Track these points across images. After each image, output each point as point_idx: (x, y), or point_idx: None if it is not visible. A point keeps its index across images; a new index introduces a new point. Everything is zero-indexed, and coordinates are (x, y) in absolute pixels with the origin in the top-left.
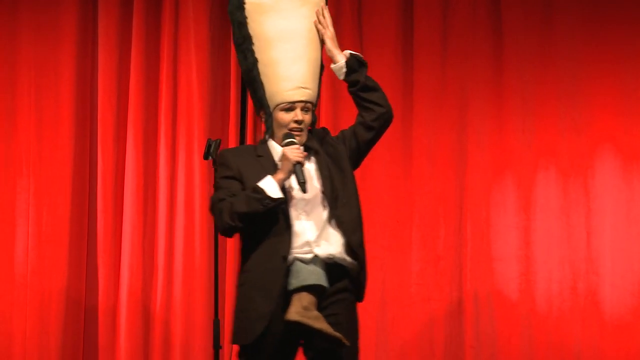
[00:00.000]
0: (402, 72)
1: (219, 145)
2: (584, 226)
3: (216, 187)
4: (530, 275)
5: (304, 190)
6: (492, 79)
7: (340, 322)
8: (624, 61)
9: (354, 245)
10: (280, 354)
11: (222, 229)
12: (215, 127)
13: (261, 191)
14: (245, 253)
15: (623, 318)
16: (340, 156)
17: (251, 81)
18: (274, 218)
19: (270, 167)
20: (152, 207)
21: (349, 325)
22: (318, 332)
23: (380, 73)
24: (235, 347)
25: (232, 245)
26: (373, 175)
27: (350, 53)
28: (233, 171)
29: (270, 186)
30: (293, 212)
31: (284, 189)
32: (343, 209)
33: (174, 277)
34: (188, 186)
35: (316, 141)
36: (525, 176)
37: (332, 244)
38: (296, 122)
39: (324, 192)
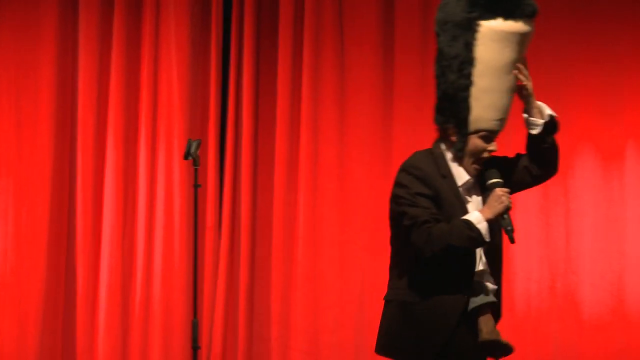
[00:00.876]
0: (382, 71)
1: (199, 146)
2: (563, 226)
3: (411, 202)
4: (509, 274)
5: (511, 239)
6: None
7: None
8: (605, 61)
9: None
10: None
11: (428, 253)
12: (195, 127)
13: (477, 231)
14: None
15: (602, 318)
16: None
17: (457, 100)
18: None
19: (454, 194)
20: (131, 207)
21: None
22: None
23: (361, 72)
24: (214, 348)
25: (210, 246)
26: (353, 175)
27: (551, 115)
28: (431, 190)
29: (484, 227)
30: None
31: None
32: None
33: (153, 277)
34: (168, 186)
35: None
36: None
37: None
38: (490, 151)
39: None
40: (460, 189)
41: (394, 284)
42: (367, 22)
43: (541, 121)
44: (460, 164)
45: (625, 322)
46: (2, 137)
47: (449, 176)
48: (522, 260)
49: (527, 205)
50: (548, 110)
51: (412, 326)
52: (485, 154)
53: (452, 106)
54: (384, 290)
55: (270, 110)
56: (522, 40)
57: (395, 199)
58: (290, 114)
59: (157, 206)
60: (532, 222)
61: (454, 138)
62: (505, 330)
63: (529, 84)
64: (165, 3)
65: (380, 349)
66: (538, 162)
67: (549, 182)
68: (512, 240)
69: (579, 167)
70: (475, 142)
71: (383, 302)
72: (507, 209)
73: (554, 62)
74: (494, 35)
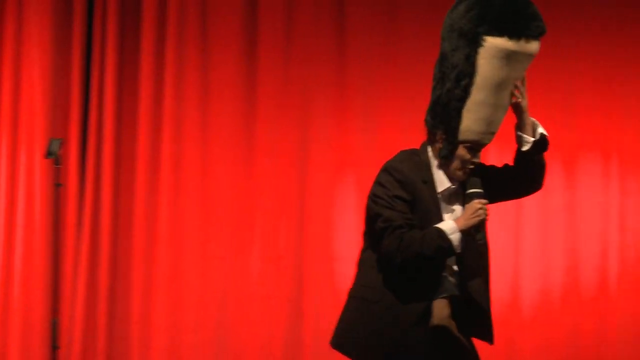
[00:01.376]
0: (246, 71)
1: (60, 145)
2: None
3: (388, 204)
4: None
5: (480, 248)
6: (335, 79)
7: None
8: None
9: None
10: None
11: (399, 260)
12: (57, 126)
13: (448, 241)
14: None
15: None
16: None
17: (449, 108)
18: None
19: (432, 201)
20: None
21: None
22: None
23: (224, 72)
24: (74, 348)
25: (71, 245)
26: (215, 174)
27: (542, 134)
28: (409, 195)
29: (456, 238)
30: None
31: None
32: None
33: (13, 276)
34: (29, 185)
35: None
36: (367, 175)
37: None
38: (473, 164)
39: None
40: (440, 196)
41: (359, 280)
42: (230, 23)
43: (532, 139)
44: (444, 170)
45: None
46: None
47: (429, 182)
48: None
49: None
50: (540, 129)
51: (370, 324)
52: (470, 165)
53: (443, 113)
54: (246, 288)
55: (133, 109)
56: (525, 59)
57: (373, 198)
58: (153, 113)
59: (17, 205)
60: None
61: (440, 144)
62: None
63: (524, 101)
64: (27, 2)
65: (335, 343)
66: (523, 177)
67: None
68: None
69: None
70: (461, 152)
71: (245, 301)
72: (482, 222)
73: (416, 63)
74: (497, 53)
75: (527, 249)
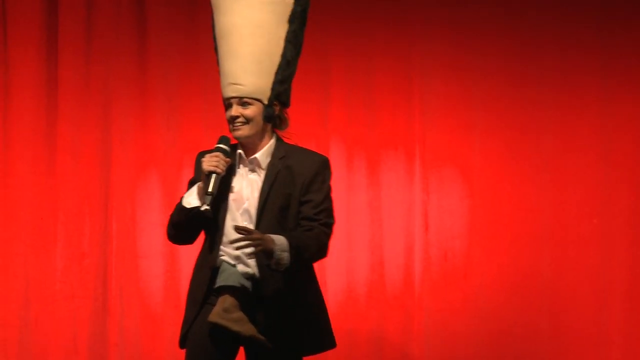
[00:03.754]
0: (46, 69)
1: None
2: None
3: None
4: (175, 272)
5: (206, 202)
6: (137, 77)
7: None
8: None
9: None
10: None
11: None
12: None
13: (180, 200)
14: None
15: None
16: (292, 194)
17: None
18: (213, 223)
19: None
20: None
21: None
22: (237, 335)
23: (25, 70)
24: None
25: None
26: (16, 171)
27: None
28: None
29: (189, 196)
30: (229, 217)
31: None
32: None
33: None
34: None
35: (278, 155)
36: (171, 173)
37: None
38: (231, 117)
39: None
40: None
41: None
42: (30, 21)
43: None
44: None
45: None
46: None
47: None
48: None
49: None
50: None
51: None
52: (231, 122)
53: None
54: (49, 287)
55: None
56: (229, 2)
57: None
58: None
59: None
60: None
61: None
62: (170, 330)
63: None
64: None
65: None
66: None
67: None
68: (206, 203)
69: None
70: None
71: (48, 300)
72: (210, 172)
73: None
74: (214, 5)
75: (332, 246)
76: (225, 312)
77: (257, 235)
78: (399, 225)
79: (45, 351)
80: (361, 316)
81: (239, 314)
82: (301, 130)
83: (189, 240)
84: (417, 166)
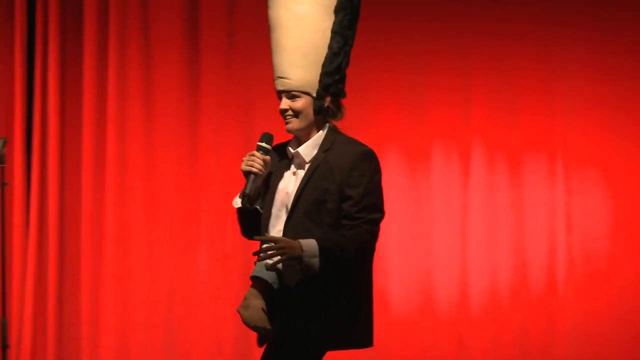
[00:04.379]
0: (188, 71)
1: (5, 144)
2: None
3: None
4: None
5: (244, 203)
6: None
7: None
8: (408, 59)
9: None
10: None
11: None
12: (1, 125)
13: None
14: None
15: (410, 316)
16: (329, 188)
17: None
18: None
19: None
20: None
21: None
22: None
23: (167, 73)
24: (24, 348)
25: (18, 245)
26: (159, 173)
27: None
28: None
29: (238, 196)
30: (273, 214)
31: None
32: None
33: None
34: None
35: (324, 148)
36: None
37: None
38: (281, 111)
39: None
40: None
41: None
42: (172, 22)
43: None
44: None
45: (434, 319)
46: None
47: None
48: None
49: None
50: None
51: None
52: (282, 114)
53: None
54: (193, 288)
55: (77, 108)
56: None
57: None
58: (97, 111)
59: None
60: None
61: None
62: None
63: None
64: None
65: None
66: None
67: None
68: (244, 204)
69: (385, 166)
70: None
71: (192, 301)
72: (247, 173)
73: (355, 62)
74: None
75: (474, 248)
76: (244, 300)
77: (282, 243)
78: (542, 226)
79: (189, 352)
80: (505, 318)
81: (250, 301)
82: (442, 131)
83: (251, 234)
84: (559, 167)
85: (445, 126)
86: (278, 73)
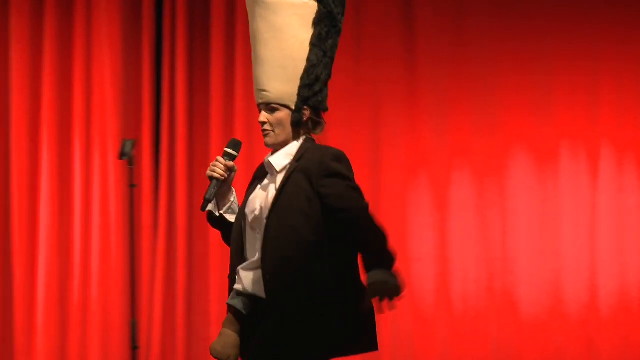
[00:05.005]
0: None
1: (134, 145)
2: (499, 226)
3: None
4: (446, 275)
5: (204, 208)
6: (405, 79)
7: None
8: (536, 60)
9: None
10: None
11: None
12: (130, 126)
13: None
14: None
15: (539, 317)
16: (307, 193)
17: None
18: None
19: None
20: (67, 207)
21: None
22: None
23: None
24: (154, 348)
25: (147, 246)
26: None
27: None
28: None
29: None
30: (244, 222)
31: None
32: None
33: (90, 277)
34: (103, 186)
35: (297, 157)
36: (440, 176)
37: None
38: (260, 122)
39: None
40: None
41: None
42: None
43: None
44: None
45: (563, 321)
46: None
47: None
48: (459, 260)
49: (463, 206)
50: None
51: None
52: (262, 130)
53: None
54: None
55: (205, 108)
56: (253, 8)
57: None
58: (224, 112)
59: (93, 206)
60: (469, 223)
61: None
62: (444, 331)
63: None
64: (97, 1)
65: None
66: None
67: (483, 181)
68: (201, 208)
69: (513, 167)
70: None
71: None
72: (210, 178)
73: (485, 63)
74: (247, 6)
75: (603, 249)
76: (221, 341)
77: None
78: None
79: None
80: (635, 319)
81: (223, 330)
82: (570, 132)
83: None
84: None
85: (573, 127)
86: (257, 85)
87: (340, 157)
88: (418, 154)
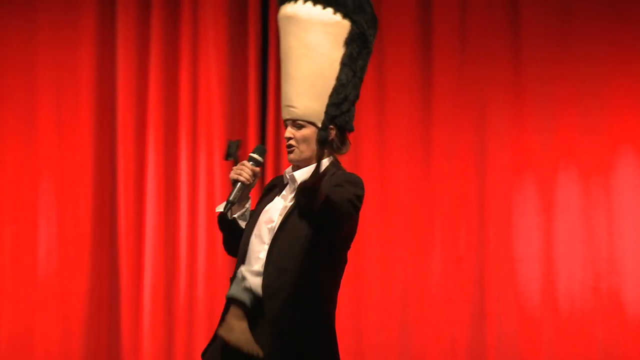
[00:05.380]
0: (421, 73)
1: (239, 146)
2: (605, 226)
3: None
4: (551, 275)
5: (224, 209)
6: (511, 80)
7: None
8: None
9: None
10: None
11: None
12: (235, 127)
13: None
14: None
15: None
16: None
17: None
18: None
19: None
20: (173, 207)
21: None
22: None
23: (399, 74)
24: None
25: None
26: (393, 176)
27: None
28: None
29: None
30: (254, 235)
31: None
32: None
33: (196, 278)
34: (209, 187)
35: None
36: (546, 176)
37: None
38: (285, 138)
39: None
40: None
41: None
42: (404, 24)
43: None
44: None
45: None
46: (43, 139)
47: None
48: (564, 261)
49: (569, 206)
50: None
51: None
52: (287, 145)
53: None
54: (427, 290)
55: None
56: (286, 24)
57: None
58: None
59: (199, 207)
60: (574, 223)
61: None
62: (550, 332)
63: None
64: (203, 2)
65: None
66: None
67: (590, 182)
68: (224, 210)
69: (619, 167)
70: None
71: (426, 303)
72: (234, 181)
73: (592, 63)
74: (279, 22)
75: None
76: (224, 322)
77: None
78: None
79: (424, 354)
80: None
81: (234, 324)
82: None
83: (230, 249)
84: None
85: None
86: (285, 102)
87: (357, 182)
88: (524, 154)
